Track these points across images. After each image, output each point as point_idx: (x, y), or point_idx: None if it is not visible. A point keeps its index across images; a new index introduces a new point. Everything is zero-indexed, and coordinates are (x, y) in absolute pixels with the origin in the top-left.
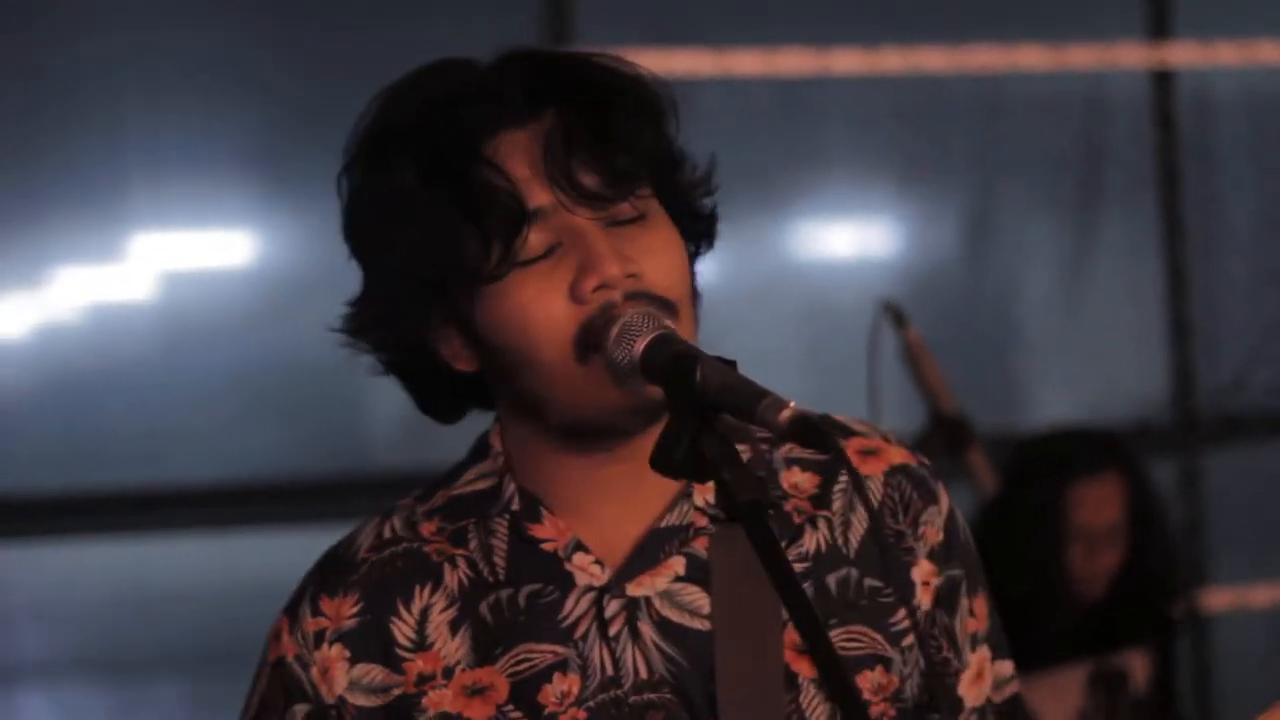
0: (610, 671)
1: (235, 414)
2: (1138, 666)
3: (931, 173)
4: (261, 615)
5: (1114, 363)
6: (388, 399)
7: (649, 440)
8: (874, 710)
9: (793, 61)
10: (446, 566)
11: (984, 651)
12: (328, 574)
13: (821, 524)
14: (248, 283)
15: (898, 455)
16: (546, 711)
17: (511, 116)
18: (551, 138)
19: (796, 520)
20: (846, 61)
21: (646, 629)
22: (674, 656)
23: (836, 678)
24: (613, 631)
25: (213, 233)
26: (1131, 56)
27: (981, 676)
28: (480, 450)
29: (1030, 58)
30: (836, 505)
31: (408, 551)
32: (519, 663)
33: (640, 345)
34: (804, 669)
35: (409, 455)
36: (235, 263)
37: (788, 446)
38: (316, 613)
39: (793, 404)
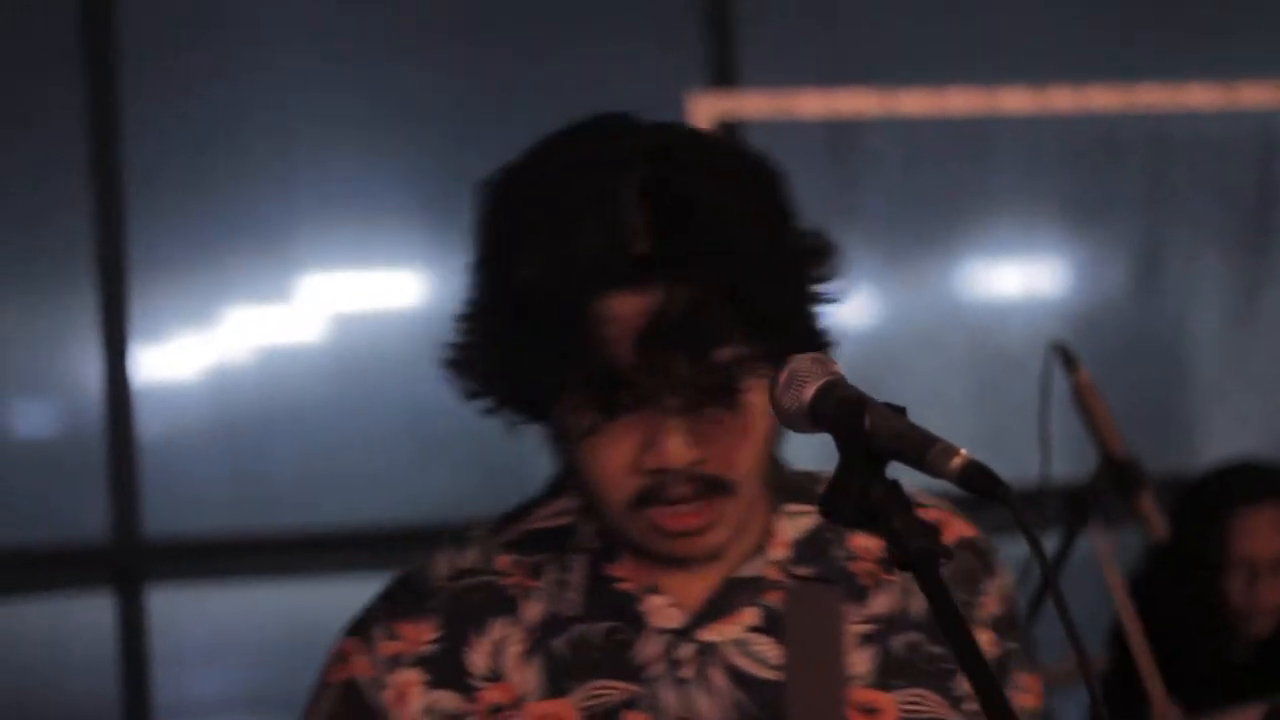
0: (680, 713)
1: (404, 456)
2: None
3: (1101, 212)
4: None
5: None
6: None
7: None
8: None
9: (961, 101)
10: (522, 600)
11: None
12: (403, 599)
13: (889, 588)
14: (416, 324)
15: (964, 529)
16: None
17: (633, 278)
18: (660, 323)
19: (865, 583)
20: (1015, 101)
21: (717, 675)
22: (743, 703)
23: None
24: (684, 674)
25: (381, 273)
26: None
27: None
28: (558, 487)
29: (1201, 97)
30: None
31: (484, 585)
32: (591, 698)
33: (809, 391)
34: None
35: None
36: (404, 303)
37: None
38: (393, 636)
39: (964, 451)
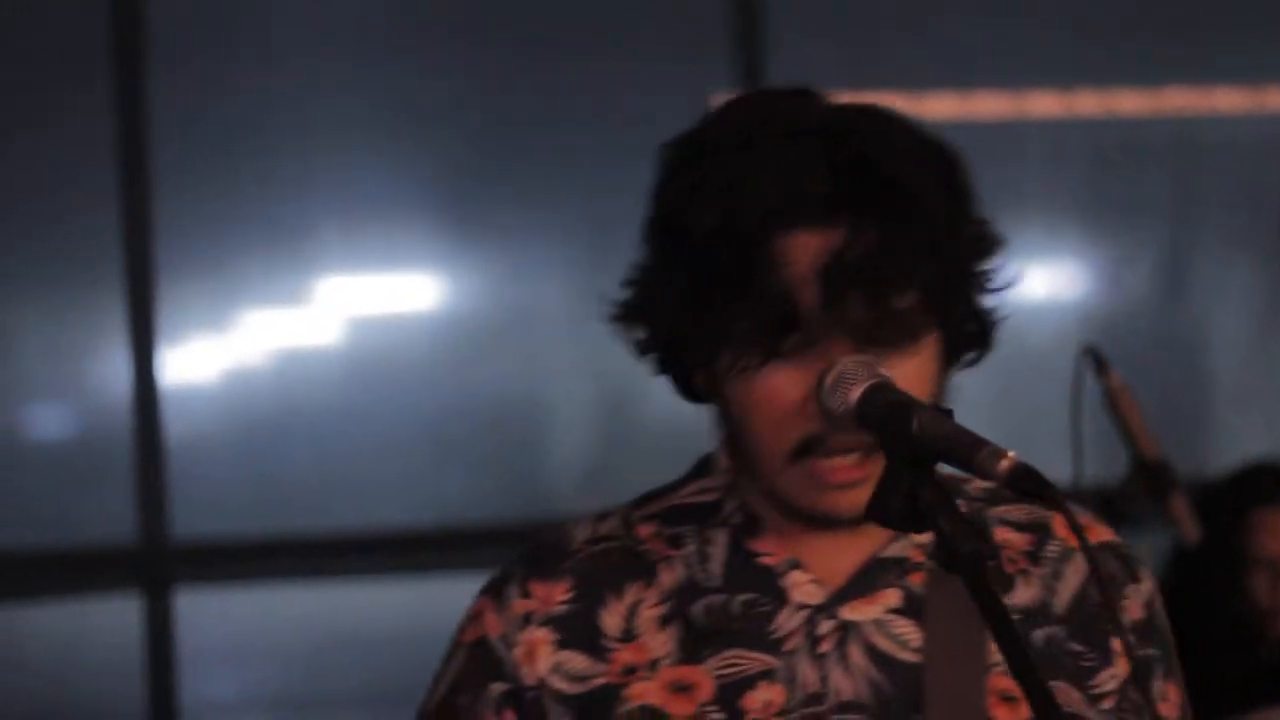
0: (815, 689)
1: (420, 459)
2: None
3: (1127, 216)
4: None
5: None
6: (571, 444)
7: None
8: None
9: (988, 104)
10: (661, 565)
11: None
12: (538, 559)
13: (1034, 580)
14: (433, 327)
15: (1104, 534)
16: (749, 717)
17: (813, 217)
18: (840, 262)
19: (1009, 570)
20: (1042, 104)
21: (856, 653)
22: (880, 683)
23: None
24: (822, 650)
25: (399, 276)
26: None
27: None
28: (704, 466)
29: (1228, 100)
30: (1047, 566)
31: (623, 548)
32: (727, 666)
33: (855, 393)
34: (1004, 715)
35: (592, 501)
36: (421, 307)
37: (1001, 508)
38: (526, 595)
39: (1011, 454)
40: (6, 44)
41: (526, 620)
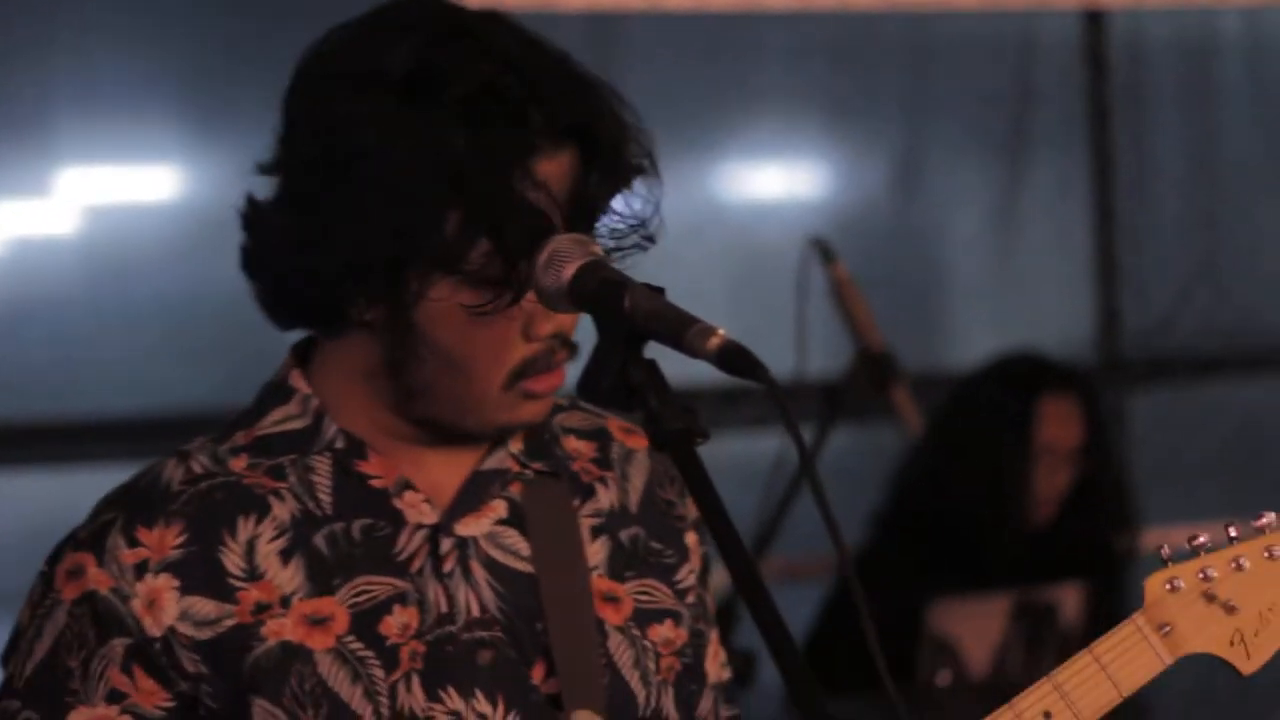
0: (445, 608)
1: (156, 347)
2: (1070, 601)
3: (861, 112)
4: None
5: (1041, 303)
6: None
7: None
8: (663, 663)
9: None
10: (273, 499)
11: (715, 630)
12: (138, 506)
13: (610, 484)
14: (172, 218)
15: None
16: (389, 642)
17: (551, 142)
18: (575, 185)
19: (585, 480)
20: None
21: (477, 568)
22: (504, 595)
23: (763, 606)
24: (446, 569)
25: (138, 168)
26: None
27: (716, 655)
28: (280, 393)
29: None
30: (616, 469)
31: (226, 484)
32: (358, 594)
33: (569, 271)
34: (610, 616)
35: None
36: (160, 198)
37: (563, 415)
38: (133, 543)
39: (721, 331)
40: None
41: (141, 569)
